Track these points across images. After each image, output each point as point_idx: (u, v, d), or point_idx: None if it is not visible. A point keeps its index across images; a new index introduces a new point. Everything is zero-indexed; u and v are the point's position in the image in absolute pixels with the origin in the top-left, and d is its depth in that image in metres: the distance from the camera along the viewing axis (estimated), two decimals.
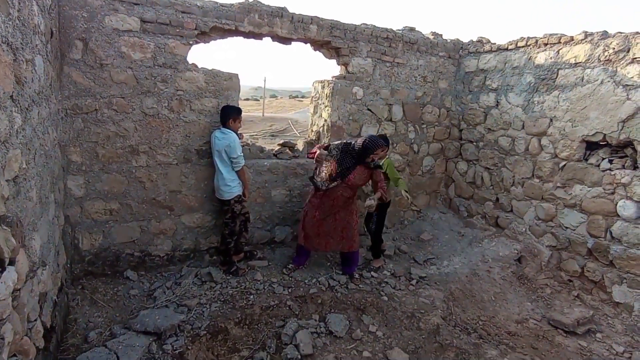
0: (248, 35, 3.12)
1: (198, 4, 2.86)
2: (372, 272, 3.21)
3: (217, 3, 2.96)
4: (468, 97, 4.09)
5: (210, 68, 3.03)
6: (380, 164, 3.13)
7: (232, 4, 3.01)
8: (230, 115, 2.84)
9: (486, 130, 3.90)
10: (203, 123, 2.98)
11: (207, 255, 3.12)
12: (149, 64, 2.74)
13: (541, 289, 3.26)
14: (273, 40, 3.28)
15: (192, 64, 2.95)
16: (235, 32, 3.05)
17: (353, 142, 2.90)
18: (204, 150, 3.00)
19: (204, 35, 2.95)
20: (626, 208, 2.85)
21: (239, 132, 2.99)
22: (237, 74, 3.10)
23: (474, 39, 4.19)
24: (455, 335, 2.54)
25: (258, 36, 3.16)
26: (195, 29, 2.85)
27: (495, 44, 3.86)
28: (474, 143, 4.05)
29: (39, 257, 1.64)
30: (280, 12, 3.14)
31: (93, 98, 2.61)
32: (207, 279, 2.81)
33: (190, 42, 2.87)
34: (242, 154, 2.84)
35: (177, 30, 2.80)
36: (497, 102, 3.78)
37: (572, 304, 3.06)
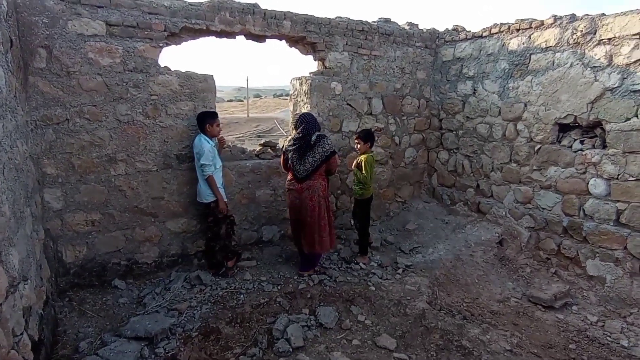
0: (220, 34, 3.07)
1: (165, 4, 2.79)
2: (361, 264, 3.29)
3: (185, 2, 2.89)
4: (446, 87, 4.13)
5: (184, 70, 2.98)
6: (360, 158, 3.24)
7: (201, 3, 2.94)
8: (205, 121, 2.81)
9: (465, 118, 3.97)
10: (181, 127, 2.95)
11: (195, 259, 3.13)
12: (119, 70, 2.68)
13: (522, 269, 3.40)
14: (247, 38, 3.23)
15: (165, 67, 2.89)
16: (207, 32, 3.00)
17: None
18: (183, 155, 2.97)
19: (175, 36, 2.89)
20: (597, 186, 2.98)
21: (220, 135, 2.96)
22: (212, 75, 3.06)
23: (450, 28, 4.21)
24: (440, 318, 2.64)
25: (231, 35, 3.11)
26: (165, 31, 2.79)
27: (470, 31, 3.89)
28: (454, 132, 4.12)
29: (19, 272, 1.64)
30: (252, 9, 3.09)
31: (63, 107, 2.54)
32: (197, 283, 2.84)
33: (161, 45, 2.81)
34: (210, 163, 2.74)
35: (146, 32, 2.73)
36: (474, 89, 3.83)
37: (550, 280, 3.21)
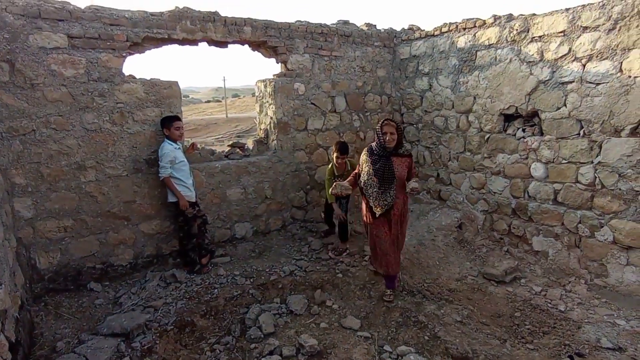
0: (183, 42, 3.19)
1: (126, 15, 2.89)
2: (330, 253, 3.49)
3: (146, 13, 3.00)
4: (405, 83, 4.38)
5: (149, 78, 3.09)
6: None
7: (163, 13, 3.06)
8: (163, 125, 2.95)
9: (423, 112, 4.23)
10: (148, 133, 3.07)
11: (170, 258, 3.26)
12: (83, 80, 2.77)
13: (478, 249, 3.69)
14: (209, 45, 3.36)
15: (129, 75, 3.00)
16: (169, 40, 3.12)
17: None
18: (153, 159, 3.09)
19: (137, 45, 2.99)
20: (537, 169, 3.29)
21: (184, 140, 3.12)
22: (177, 82, 3.18)
23: (406, 27, 4.46)
24: (400, 298, 2.88)
25: (193, 42, 3.24)
26: (127, 41, 2.90)
27: (424, 30, 4.14)
28: (414, 125, 4.38)
29: None
30: (212, 17, 3.22)
31: (28, 119, 2.62)
32: (172, 280, 2.97)
33: (124, 54, 2.91)
34: (165, 165, 2.85)
35: (108, 43, 2.83)
36: (430, 85, 4.09)
37: (502, 258, 3.50)
